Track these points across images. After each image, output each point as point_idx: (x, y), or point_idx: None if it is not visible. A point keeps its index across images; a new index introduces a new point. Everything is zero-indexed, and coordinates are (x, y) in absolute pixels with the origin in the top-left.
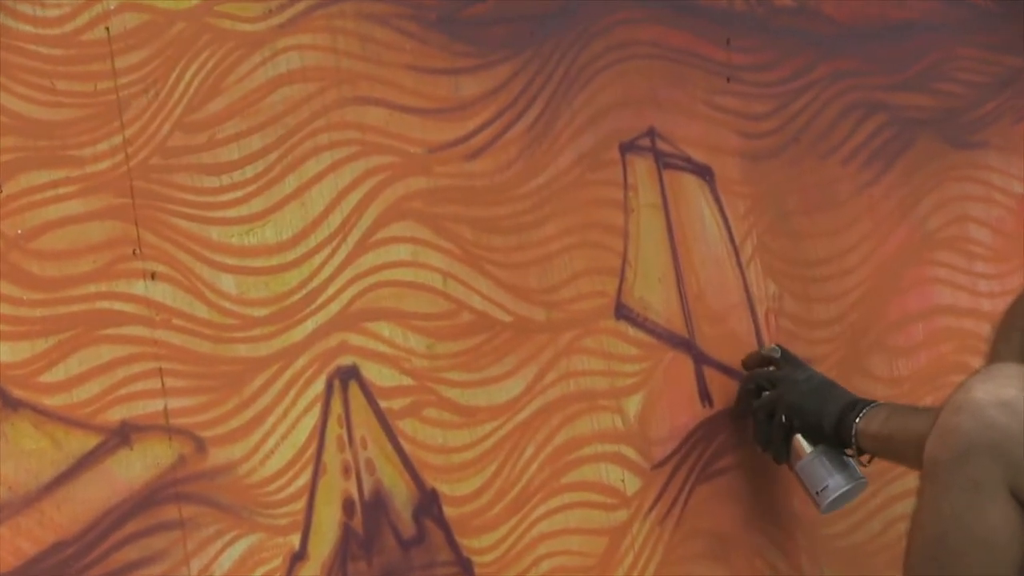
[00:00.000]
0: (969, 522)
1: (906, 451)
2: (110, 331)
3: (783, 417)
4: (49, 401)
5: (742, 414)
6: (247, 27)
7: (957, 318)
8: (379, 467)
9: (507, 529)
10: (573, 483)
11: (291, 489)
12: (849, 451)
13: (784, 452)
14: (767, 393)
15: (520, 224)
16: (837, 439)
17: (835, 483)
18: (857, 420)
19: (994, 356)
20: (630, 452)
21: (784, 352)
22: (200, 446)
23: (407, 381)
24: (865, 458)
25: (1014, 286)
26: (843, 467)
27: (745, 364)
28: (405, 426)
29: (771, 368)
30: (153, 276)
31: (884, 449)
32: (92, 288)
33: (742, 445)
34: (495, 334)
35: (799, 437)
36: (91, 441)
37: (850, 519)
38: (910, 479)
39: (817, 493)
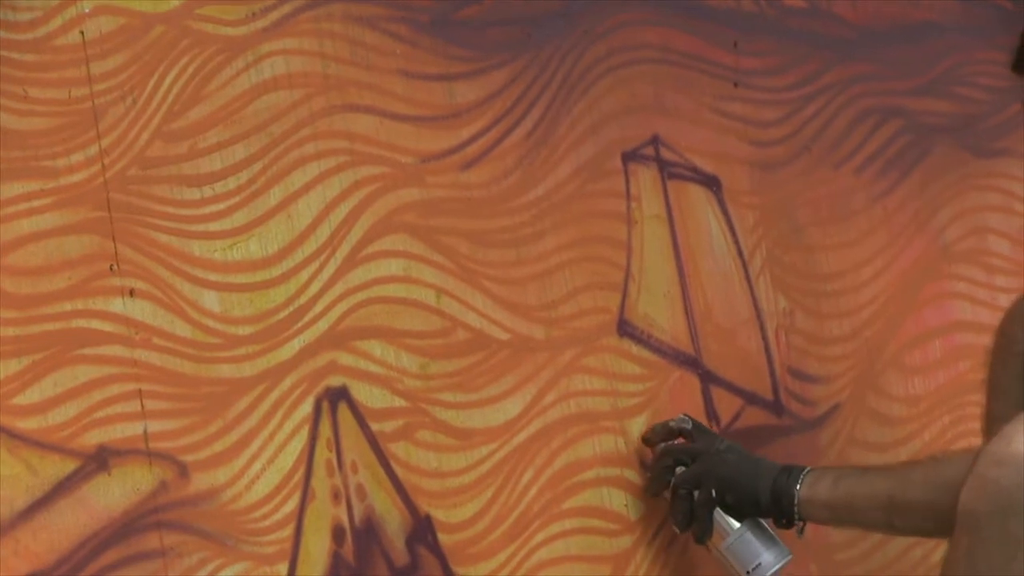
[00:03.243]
0: None
1: (872, 515)
2: (87, 351)
3: (712, 492)
4: (23, 424)
5: (657, 493)
6: (229, 31)
7: (977, 334)
8: (370, 492)
9: (505, 557)
10: (574, 508)
11: (278, 516)
12: (784, 522)
13: (710, 530)
14: (684, 468)
15: (518, 237)
16: (776, 510)
17: (767, 560)
18: (797, 487)
19: (992, 381)
20: (634, 476)
21: (695, 423)
22: (182, 471)
23: (399, 402)
24: (798, 526)
25: None
26: (772, 542)
27: (647, 440)
28: (398, 450)
29: (680, 441)
30: (132, 293)
31: (839, 516)
32: (68, 306)
33: None
34: (492, 353)
35: (720, 512)
36: (68, 466)
37: (865, 544)
38: None
39: (748, 572)
